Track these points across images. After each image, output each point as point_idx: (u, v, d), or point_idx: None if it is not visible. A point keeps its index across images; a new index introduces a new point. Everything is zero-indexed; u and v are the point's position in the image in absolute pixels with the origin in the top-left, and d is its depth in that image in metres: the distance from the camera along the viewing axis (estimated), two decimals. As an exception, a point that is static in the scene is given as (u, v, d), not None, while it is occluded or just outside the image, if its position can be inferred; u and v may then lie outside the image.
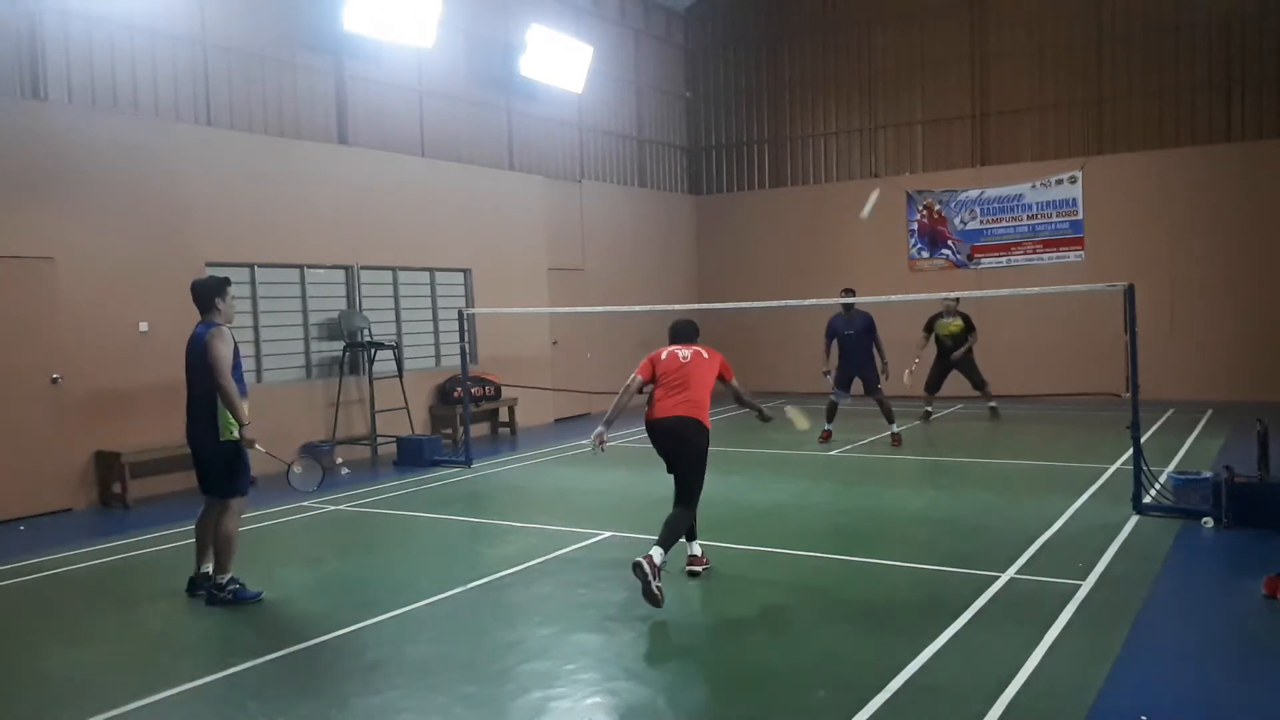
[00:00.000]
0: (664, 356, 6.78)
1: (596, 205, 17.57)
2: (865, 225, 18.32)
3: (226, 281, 6.60)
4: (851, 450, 12.03)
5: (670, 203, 19.86)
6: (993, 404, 13.79)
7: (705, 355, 6.79)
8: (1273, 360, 15.27)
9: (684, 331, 7.11)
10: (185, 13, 11.29)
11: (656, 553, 5.92)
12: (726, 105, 20.37)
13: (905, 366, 12.66)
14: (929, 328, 13.87)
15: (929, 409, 14.36)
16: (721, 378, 6.84)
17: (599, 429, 6.69)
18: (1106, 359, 14.53)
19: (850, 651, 5.24)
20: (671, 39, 20.18)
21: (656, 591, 5.74)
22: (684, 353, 6.79)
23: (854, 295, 11.84)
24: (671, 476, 6.58)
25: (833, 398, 12.49)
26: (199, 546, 6.64)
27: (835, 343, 12.43)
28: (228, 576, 6.37)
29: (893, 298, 12.10)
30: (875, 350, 12.27)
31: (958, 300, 13.58)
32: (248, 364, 11.70)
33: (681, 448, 6.48)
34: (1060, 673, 4.75)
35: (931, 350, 13.87)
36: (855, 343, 12.24)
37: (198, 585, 6.57)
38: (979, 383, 13.76)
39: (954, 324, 13.70)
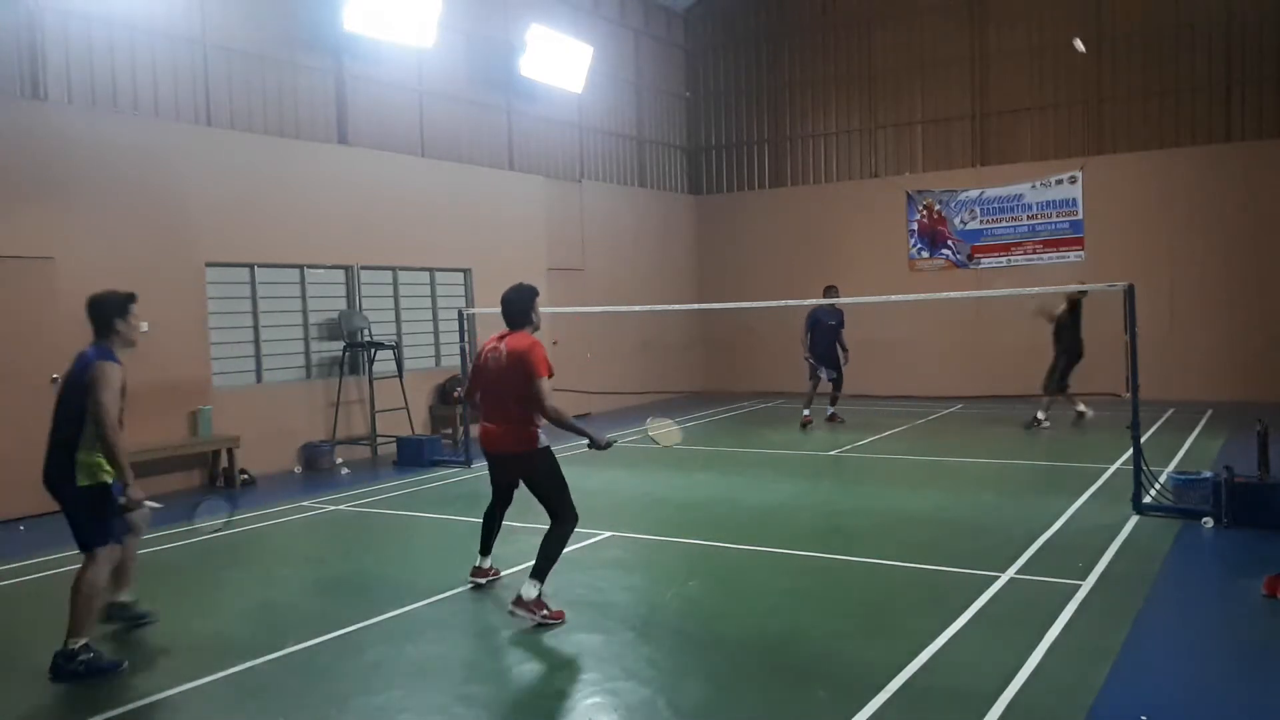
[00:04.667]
0: (483, 357, 5.60)
1: (596, 205, 17.57)
2: (864, 225, 18.48)
3: (130, 298, 5.56)
4: (851, 450, 12.04)
5: (670, 203, 19.86)
6: (1040, 415, 13.25)
7: (513, 353, 5.45)
8: (1273, 360, 15.26)
9: (510, 309, 5.62)
10: (185, 13, 11.29)
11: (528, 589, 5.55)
12: (726, 105, 20.37)
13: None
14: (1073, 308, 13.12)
15: (1081, 410, 13.36)
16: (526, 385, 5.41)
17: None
18: (1106, 359, 14.51)
19: (850, 651, 5.24)
20: (671, 39, 20.18)
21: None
22: (500, 349, 5.54)
23: (837, 293, 13.47)
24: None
25: (823, 376, 14.02)
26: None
27: (814, 330, 13.99)
28: (80, 642, 5.11)
29: (892, 298, 12.21)
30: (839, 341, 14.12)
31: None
32: (248, 364, 11.75)
33: (518, 477, 5.71)
34: (1060, 672, 4.75)
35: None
36: (835, 333, 14.00)
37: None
38: (1055, 385, 13.09)
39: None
